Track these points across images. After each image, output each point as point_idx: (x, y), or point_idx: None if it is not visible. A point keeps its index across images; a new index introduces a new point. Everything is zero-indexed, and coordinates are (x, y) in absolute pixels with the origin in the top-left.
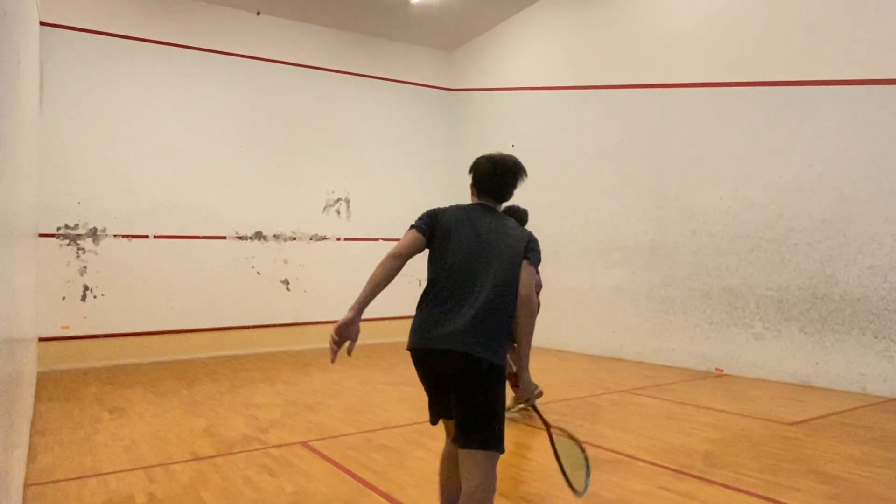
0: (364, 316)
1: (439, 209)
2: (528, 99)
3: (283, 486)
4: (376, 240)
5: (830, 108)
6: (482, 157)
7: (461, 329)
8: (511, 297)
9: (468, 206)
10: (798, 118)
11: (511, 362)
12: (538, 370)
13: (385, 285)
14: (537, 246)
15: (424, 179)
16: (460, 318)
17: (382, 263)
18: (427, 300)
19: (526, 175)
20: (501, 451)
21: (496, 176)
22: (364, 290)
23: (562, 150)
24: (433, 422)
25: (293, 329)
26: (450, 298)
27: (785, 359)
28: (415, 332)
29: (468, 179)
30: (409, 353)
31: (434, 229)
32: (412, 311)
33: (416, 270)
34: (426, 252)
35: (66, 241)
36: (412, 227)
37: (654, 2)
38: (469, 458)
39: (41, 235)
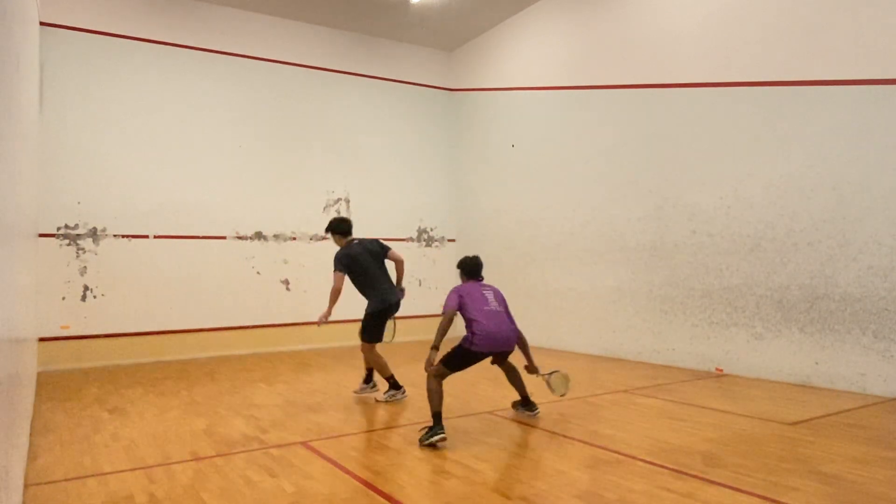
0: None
1: (350, 254)
2: (528, 99)
3: (283, 486)
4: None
5: (830, 108)
6: (338, 222)
7: (393, 291)
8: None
9: (355, 244)
10: (798, 118)
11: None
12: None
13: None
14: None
15: (424, 179)
16: (391, 288)
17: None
18: (369, 288)
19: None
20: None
21: (348, 224)
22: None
23: (562, 150)
24: (382, 339)
25: (293, 329)
26: (378, 284)
27: (785, 359)
28: (381, 301)
29: (468, 179)
30: (378, 312)
31: (358, 259)
32: (411, 313)
33: (415, 271)
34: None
35: (66, 241)
36: (341, 267)
37: (653, 2)
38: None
39: (41, 235)
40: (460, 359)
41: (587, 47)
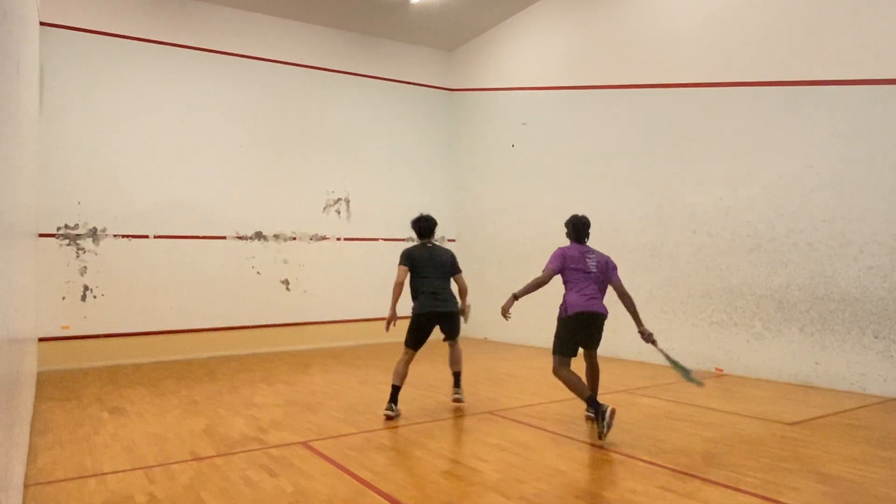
0: (364, 316)
1: (412, 253)
2: (528, 99)
3: (283, 486)
4: (376, 240)
5: (830, 108)
6: (413, 222)
7: (445, 300)
8: (449, 283)
9: (424, 246)
10: (798, 118)
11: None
12: (541, 370)
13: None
14: (456, 258)
15: (424, 179)
16: (440, 296)
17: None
18: (419, 293)
19: (436, 223)
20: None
21: (422, 224)
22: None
23: (562, 150)
24: (416, 346)
25: (293, 329)
26: (427, 290)
27: (785, 359)
28: (422, 305)
29: (468, 179)
30: (417, 315)
31: (412, 261)
32: (410, 313)
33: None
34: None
35: (66, 241)
36: (402, 263)
37: (653, 2)
38: (454, 344)
39: (41, 235)
40: (563, 331)
41: (587, 47)
